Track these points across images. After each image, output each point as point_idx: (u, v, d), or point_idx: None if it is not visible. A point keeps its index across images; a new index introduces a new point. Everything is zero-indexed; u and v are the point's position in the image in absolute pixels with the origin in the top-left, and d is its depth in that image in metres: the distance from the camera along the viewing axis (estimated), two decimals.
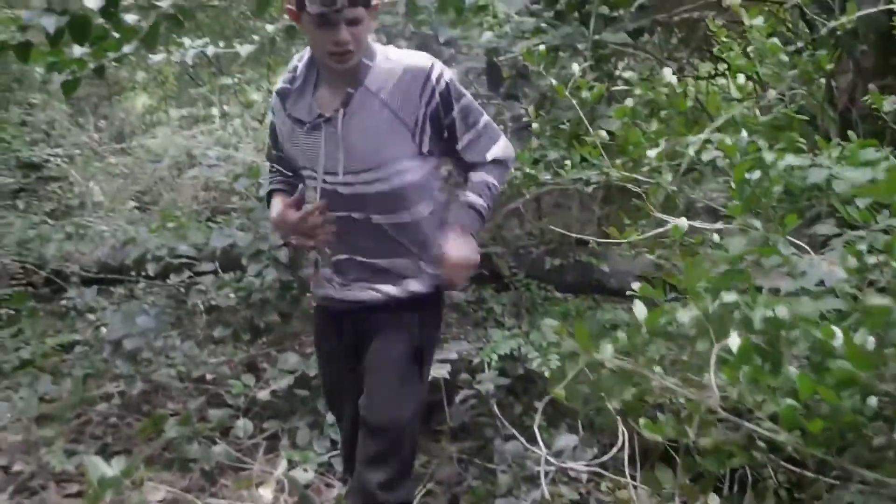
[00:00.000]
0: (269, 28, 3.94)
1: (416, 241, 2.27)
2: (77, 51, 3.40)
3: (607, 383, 1.44)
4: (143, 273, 3.99)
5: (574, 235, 3.15)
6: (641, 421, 1.44)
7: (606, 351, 1.39)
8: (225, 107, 5.92)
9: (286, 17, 4.04)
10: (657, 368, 1.44)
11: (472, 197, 2.27)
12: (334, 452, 3.29)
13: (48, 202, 5.95)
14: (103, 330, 3.97)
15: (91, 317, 4.24)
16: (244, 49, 3.92)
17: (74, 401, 3.77)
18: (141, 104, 9.71)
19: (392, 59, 2.17)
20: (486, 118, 2.28)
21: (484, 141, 2.27)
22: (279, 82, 2.29)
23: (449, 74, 2.20)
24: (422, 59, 2.19)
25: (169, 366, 3.74)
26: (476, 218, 2.28)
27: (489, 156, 2.27)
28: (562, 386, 1.54)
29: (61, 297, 4.60)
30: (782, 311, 1.31)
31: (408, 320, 2.30)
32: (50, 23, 3.20)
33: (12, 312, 4.48)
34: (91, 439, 3.72)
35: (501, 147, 2.30)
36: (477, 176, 2.29)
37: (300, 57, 2.26)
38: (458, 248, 2.21)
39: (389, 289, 2.28)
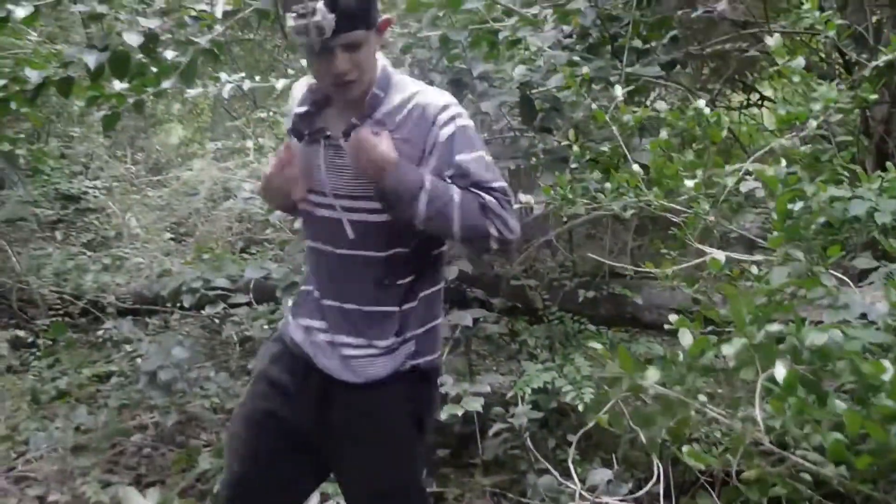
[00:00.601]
0: (304, 62, 3.99)
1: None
2: (117, 86, 3.47)
3: (649, 411, 1.42)
4: (179, 304, 4.02)
5: (609, 262, 3.13)
6: (685, 449, 1.42)
7: (650, 377, 1.38)
8: (259, 139, 6.00)
9: None
10: (701, 397, 1.42)
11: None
12: None
13: (86, 233, 6.04)
14: (138, 361, 4.00)
15: (127, 347, 4.29)
16: (280, 83, 3.97)
17: (110, 431, 3.79)
18: (176, 136, 9.86)
19: (408, 92, 1.91)
20: (500, 183, 1.88)
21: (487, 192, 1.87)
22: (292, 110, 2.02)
23: (465, 121, 1.92)
24: (438, 97, 1.93)
25: (203, 397, 3.75)
26: (417, 182, 1.83)
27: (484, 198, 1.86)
28: (604, 411, 1.52)
29: (97, 328, 4.65)
30: (829, 342, 1.29)
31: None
32: (91, 59, 3.26)
33: (49, 342, 4.53)
34: (125, 470, 3.75)
35: (506, 216, 1.86)
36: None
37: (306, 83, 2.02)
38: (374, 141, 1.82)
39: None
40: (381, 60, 1.94)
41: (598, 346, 1.52)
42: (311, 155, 1.93)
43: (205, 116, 10.12)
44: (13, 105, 3.59)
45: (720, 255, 1.88)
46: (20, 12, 3.09)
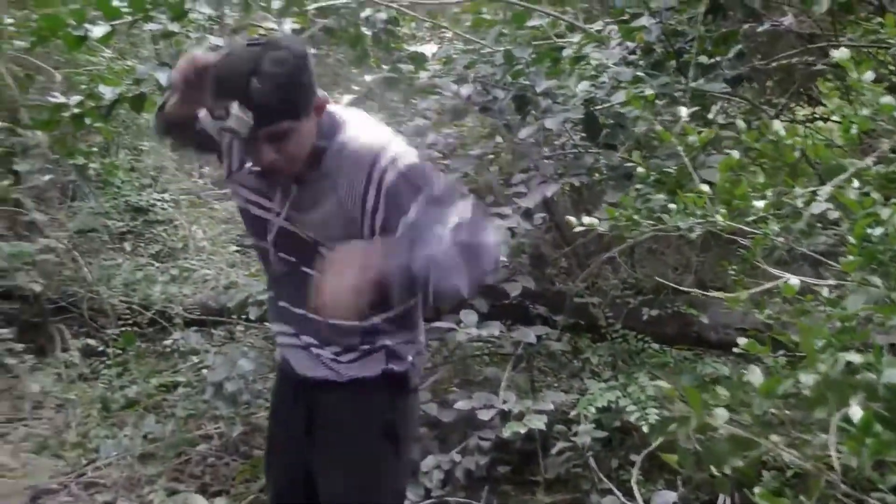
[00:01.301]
0: (368, 78, 4.03)
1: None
2: None
3: (720, 449, 1.40)
4: (244, 316, 4.08)
5: (673, 285, 3.09)
6: (757, 490, 1.39)
7: (720, 416, 1.36)
8: None
9: (384, 67, 4.16)
10: (773, 437, 1.39)
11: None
12: (429, 500, 3.29)
13: (154, 245, 6.17)
14: (204, 372, 4.07)
15: (193, 358, 4.36)
16: (345, 99, 4.01)
17: (176, 440, 3.86)
18: None
19: (349, 137, 1.78)
20: (462, 209, 1.74)
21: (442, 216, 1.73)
22: None
23: (406, 161, 1.77)
24: (375, 140, 1.79)
25: (267, 408, 3.80)
26: (403, 257, 1.66)
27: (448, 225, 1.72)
28: (672, 445, 1.50)
29: (165, 338, 4.74)
30: None
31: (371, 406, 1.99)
32: (163, 76, 3.34)
33: (119, 351, 4.64)
34: (191, 479, 3.81)
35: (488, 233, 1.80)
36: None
37: None
38: (343, 271, 1.62)
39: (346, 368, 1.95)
40: (329, 105, 1.81)
41: (664, 384, 1.50)
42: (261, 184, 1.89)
43: None
44: (87, 120, 3.70)
45: (794, 280, 1.84)
46: (97, 31, 3.18)
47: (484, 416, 3.03)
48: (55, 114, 3.75)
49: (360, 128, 1.82)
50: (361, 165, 1.75)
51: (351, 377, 1.95)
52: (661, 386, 1.54)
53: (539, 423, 2.97)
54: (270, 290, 2.05)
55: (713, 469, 1.49)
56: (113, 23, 3.24)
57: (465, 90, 3.48)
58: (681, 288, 3.09)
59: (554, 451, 3.23)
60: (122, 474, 3.87)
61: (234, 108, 1.59)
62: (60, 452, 4.15)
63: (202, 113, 1.66)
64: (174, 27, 3.55)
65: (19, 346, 3.98)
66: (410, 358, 2.01)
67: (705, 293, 2.52)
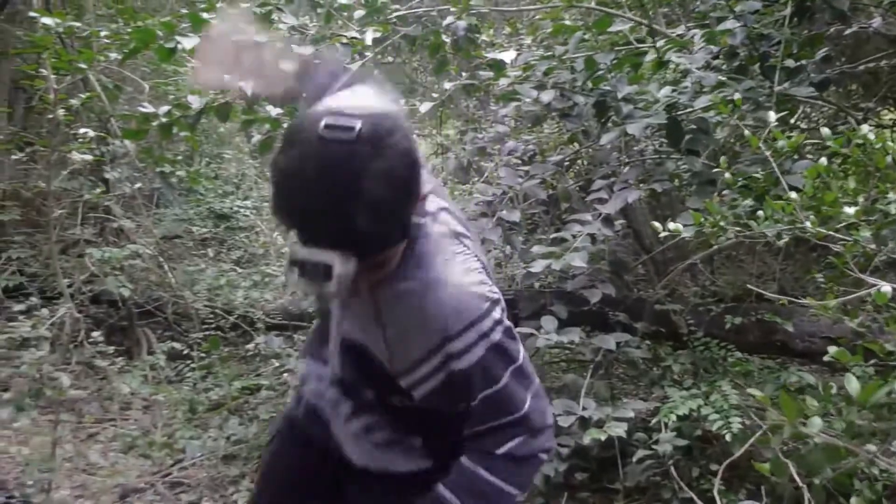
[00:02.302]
0: (447, 85, 4.05)
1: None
2: (272, 111, 3.63)
3: (814, 458, 1.37)
4: None
5: (766, 294, 3.03)
6: (853, 501, 1.37)
7: (815, 425, 1.34)
8: None
9: (463, 74, 4.19)
10: (870, 446, 1.37)
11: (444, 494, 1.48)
12: None
13: (236, 251, 6.32)
14: (286, 375, 4.15)
15: (275, 362, 4.45)
16: (424, 106, 4.05)
17: (259, 442, 3.94)
18: None
19: (417, 288, 1.37)
20: (526, 408, 1.45)
21: (503, 434, 1.47)
22: None
23: (488, 344, 1.38)
24: (457, 308, 1.36)
25: None
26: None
27: (500, 450, 1.47)
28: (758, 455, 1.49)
29: (247, 342, 4.84)
30: None
31: None
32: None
33: (203, 355, 4.75)
34: None
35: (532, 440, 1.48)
36: (467, 463, 1.49)
37: None
38: None
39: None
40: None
41: (757, 392, 1.48)
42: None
43: None
44: (175, 129, 3.81)
45: (886, 288, 1.80)
46: (187, 43, 3.28)
47: (563, 422, 3.01)
48: (144, 123, 3.88)
49: (437, 266, 1.37)
50: (427, 338, 1.38)
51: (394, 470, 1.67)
52: (753, 393, 1.52)
53: (619, 430, 2.94)
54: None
55: (798, 479, 1.47)
56: (202, 35, 3.33)
57: (545, 96, 3.48)
58: (767, 294, 3.03)
59: (635, 458, 3.20)
60: (207, 475, 3.96)
61: (326, 256, 1.14)
62: (147, 452, 4.26)
63: (288, 270, 1.19)
64: (260, 38, 3.63)
65: (109, 349, 4.10)
66: None
67: (793, 300, 2.47)
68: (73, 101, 4.01)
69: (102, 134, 4.69)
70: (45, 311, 3.21)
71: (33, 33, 3.84)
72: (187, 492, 3.94)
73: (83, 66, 3.72)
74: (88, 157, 3.65)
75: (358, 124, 1.10)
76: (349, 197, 1.09)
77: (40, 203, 6.42)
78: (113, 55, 3.69)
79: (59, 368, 3.02)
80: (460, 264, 1.39)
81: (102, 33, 3.57)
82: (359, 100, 1.23)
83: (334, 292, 1.15)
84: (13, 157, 4.24)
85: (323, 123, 1.10)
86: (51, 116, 3.80)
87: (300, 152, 1.12)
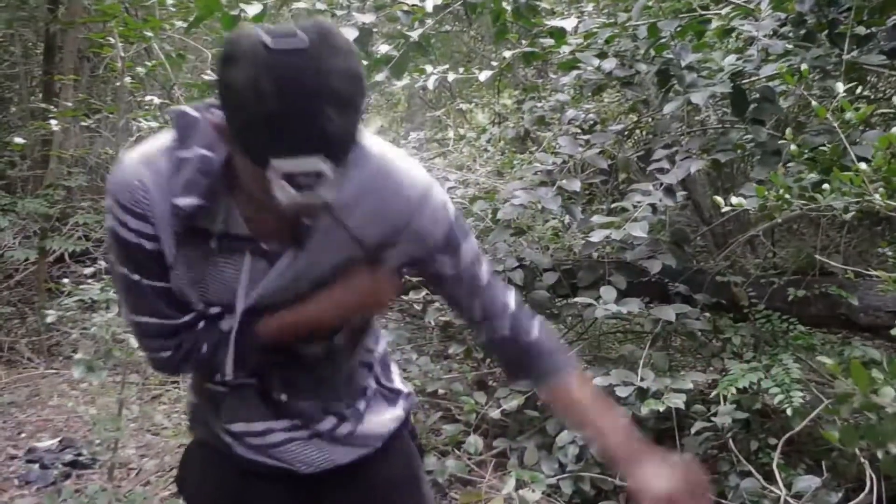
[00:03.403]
0: (507, 54, 4.03)
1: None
2: None
3: (886, 428, 1.36)
4: None
5: (832, 264, 2.98)
6: None
7: (887, 394, 1.32)
8: (460, 130, 6.13)
9: (523, 42, 4.16)
10: None
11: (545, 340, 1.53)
12: (563, 475, 3.31)
13: None
14: None
15: None
16: (483, 74, 4.04)
17: None
18: (374, 126, 10.22)
19: (367, 170, 1.33)
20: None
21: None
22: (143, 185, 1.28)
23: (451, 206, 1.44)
24: (410, 176, 1.38)
25: (405, 379, 3.90)
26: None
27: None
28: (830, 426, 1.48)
29: None
30: None
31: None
32: None
33: None
34: None
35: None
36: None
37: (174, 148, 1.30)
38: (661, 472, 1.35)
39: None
40: None
41: (827, 360, 1.46)
42: (227, 266, 1.36)
43: (401, 107, 10.42)
44: None
45: None
46: (251, 10, 3.31)
47: (622, 392, 3.01)
48: (207, 91, 3.94)
49: (381, 154, 1.37)
50: (401, 199, 1.37)
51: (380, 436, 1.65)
52: (823, 360, 1.51)
53: (678, 401, 2.94)
54: (240, 385, 1.51)
55: (860, 454, 1.45)
56: (266, 1, 3.37)
57: (607, 64, 3.45)
58: (833, 265, 2.98)
59: (693, 430, 3.18)
60: None
61: (314, 162, 1.09)
62: None
63: (279, 187, 1.10)
64: (321, 5, 3.66)
65: None
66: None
67: (861, 272, 2.43)
68: (139, 69, 4.08)
69: (167, 102, 4.75)
70: None
71: (101, 2, 3.90)
72: None
73: (149, 34, 3.78)
74: (154, 125, 3.71)
75: (309, 31, 1.08)
76: (349, 92, 1.09)
77: (106, 170, 6.57)
78: (178, 23, 3.75)
79: (126, 331, 3.10)
80: (398, 150, 1.43)
81: (168, 1, 3.62)
82: None
83: (329, 199, 1.13)
84: (81, 123, 4.32)
85: (269, 38, 1.07)
86: (118, 84, 3.87)
87: (290, 63, 1.06)
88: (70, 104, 5.56)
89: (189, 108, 1.31)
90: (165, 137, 1.31)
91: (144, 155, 1.30)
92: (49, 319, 3.08)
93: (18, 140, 4.00)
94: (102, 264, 3.83)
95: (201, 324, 1.40)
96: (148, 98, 4.27)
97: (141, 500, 3.07)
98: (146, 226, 1.29)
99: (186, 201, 1.26)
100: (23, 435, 4.40)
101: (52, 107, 4.33)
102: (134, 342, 2.96)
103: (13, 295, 6.49)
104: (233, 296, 1.37)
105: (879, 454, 1.53)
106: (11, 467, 3.98)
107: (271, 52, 1.05)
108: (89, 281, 3.23)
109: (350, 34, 3.42)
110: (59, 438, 4.27)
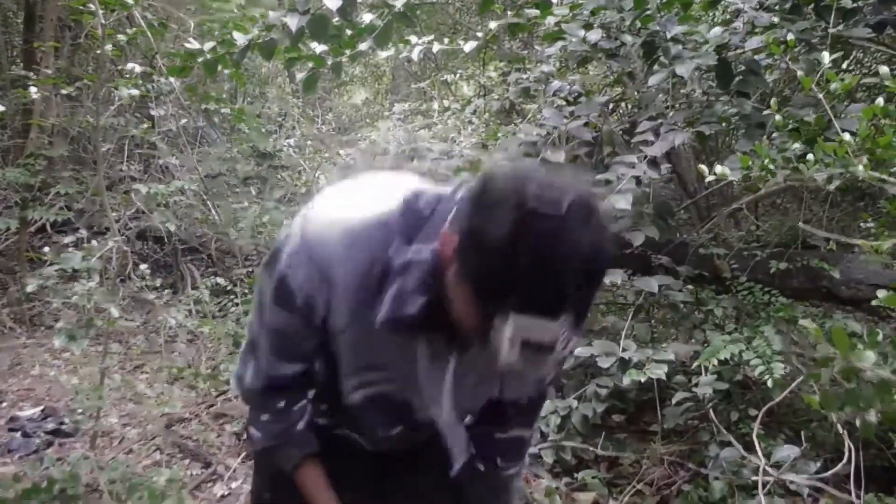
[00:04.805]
0: (492, 25, 4.00)
1: None
2: (317, 48, 3.62)
3: (865, 394, 1.37)
4: None
5: (816, 232, 2.99)
6: None
7: (868, 358, 1.33)
8: (444, 101, 6.11)
9: (509, 13, 4.14)
10: None
11: None
12: (545, 444, 3.33)
13: (278, 190, 6.36)
14: None
15: None
16: (468, 45, 4.01)
17: None
18: (359, 98, 10.17)
19: None
20: None
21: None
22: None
23: None
24: None
25: None
26: None
27: None
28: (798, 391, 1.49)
29: None
30: None
31: None
32: (293, 22, 3.42)
33: (247, 291, 4.82)
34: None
35: None
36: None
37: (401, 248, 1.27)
38: None
39: None
40: None
41: (810, 324, 1.47)
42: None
43: (385, 79, 10.37)
44: (220, 66, 3.82)
45: None
46: None
47: (603, 363, 3.03)
48: (189, 60, 3.90)
49: None
50: None
51: None
52: (805, 325, 1.51)
53: (660, 372, 2.95)
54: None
55: (839, 426, 1.46)
56: None
57: (592, 35, 3.43)
58: (817, 232, 2.99)
59: (674, 401, 3.21)
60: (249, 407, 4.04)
61: (552, 328, 1.08)
62: (193, 384, 4.37)
63: (504, 343, 1.08)
64: None
65: (157, 282, 4.18)
66: None
67: (845, 239, 2.44)
68: (120, 37, 4.03)
69: (149, 70, 4.71)
70: (94, 244, 3.27)
71: None
72: (231, 422, 4.04)
73: (130, 1, 3.73)
74: (135, 92, 3.68)
75: (566, 190, 1.07)
76: (599, 265, 1.10)
77: (87, 140, 6.51)
78: None
79: (108, 300, 3.08)
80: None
81: None
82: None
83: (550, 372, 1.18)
84: (62, 91, 4.27)
85: (533, 196, 1.05)
86: (98, 52, 3.82)
87: (550, 228, 1.04)
88: (50, 72, 5.49)
89: (421, 198, 1.29)
90: (373, 205, 1.28)
91: (362, 226, 1.26)
92: (30, 288, 3.06)
93: None
94: (83, 233, 3.81)
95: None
96: (129, 66, 4.22)
97: (124, 467, 3.07)
98: (322, 304, 1.31)
99: (413, 308, 1.24)
100: (4, 404, 4.39)
101: (31, 74, 4.28)
102: (115, 311, 2.95)
103: None
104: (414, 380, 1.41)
105: (857, 421, 1.55)
106: None
107: (534, 213, 1.03)
108: (70, 250, 3.20)
109: (333, 3, 3.38)
110: (41, 407, 4.26)
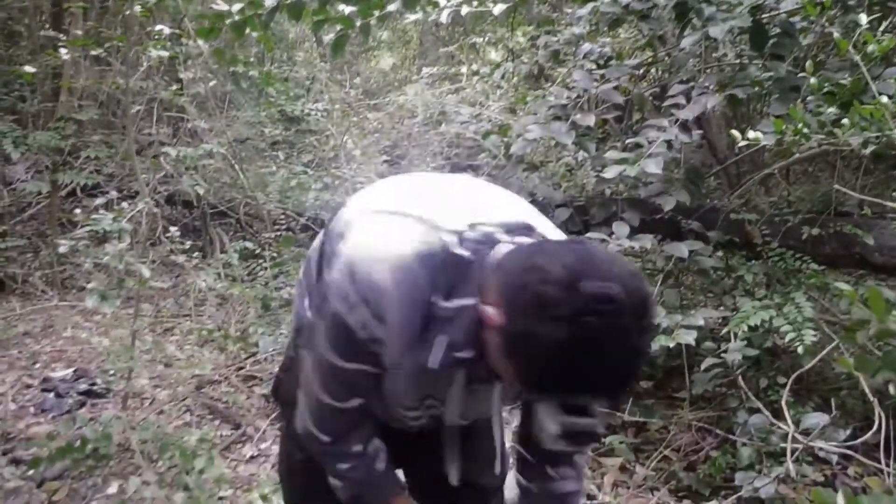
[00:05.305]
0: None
1: None
2: (345, 9, 3.59)
3: None
4: None
5: (857, 195, 2.93)
6: None
7: None
8: (473, 65, 6.06)
9: None
10: None
11: None
12: None
13: (306, 154, 6.36)
14: None
15: None
16: (497, 7, 3.96)
17: None
18: (386, 63, 10.11)
19: None
20: None
21: None
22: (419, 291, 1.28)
23: None
24: None
25: None
26: None
27: None
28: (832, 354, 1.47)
29: None
30: None
31: None
32: None
33: (275, 255, 4.85)
34: None
35: None
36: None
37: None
38: None
39: None
40: None
41: (845, 286, 1.45)
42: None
43: (413, 44, 10.30)
44: (248, 28, 3.80)
45: None
46: None
47: None
48: (217, 22, 3.88)
49: None
50: None
51: None
52: (841, 286, 1.49)
53: (689, 338, 2.93)
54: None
55: (869, 393, 1.44)
56: None
57: None
58: (852, 194, 2.92)
59: (703, 367, 3.19)
60: (279, 369, 4.07)
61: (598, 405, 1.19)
62: (222, 346, 4.41)
63: (550, 418, 1.22)
64: None
65: (186, 244, 4.21)
66: None
67: (882, 201, 2.39)
68: None
69: (177, 32, 4.70)
70: (124, 205, 3.29)
71: None
72: (259, 385, 4.08)
73: None
74: (164, 54, 3.68)
75: (618, 288, 1.09)
76: (643, 358, 1.14)
77: (116, 104, 6.54)
78: None
79: (139, 261, 3.11)
80: None
81: None
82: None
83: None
84: (91, 52, 4.28)
85: (608, 291, 1.08)
86: (127, 13, 3.82)
87: (606, 333, 1.08)
88: (80, 34, 5.50)
89: (464, 241, 1.29)
90: (417, 237, 1.28)
91: (409, 264, 1.26)
92: (62, 250, 3.08)
93: (28, 69, 3.96)
94: (114, 195, 3.84)
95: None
96: (158, 28, 4.21)
97: (155, 427, 3.12)
98: (378, 340, 1.31)
99: (462, 356, 1.28)
100: (37, 365, 4.46)
101: (61, 35, 4.29)
102: (146, 272, 2.97)
103: (26, 229, 6.52)
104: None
105: (891, 387, 1.53)
106: (27, 396, 4.04)
107: (588, 324, 1.06)
108: (101, 212, 3.22)
109: None
110: (73, 368, 4.32)
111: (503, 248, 1.25)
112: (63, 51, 4.04)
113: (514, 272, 1.15)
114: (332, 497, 1.61)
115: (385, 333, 1.29)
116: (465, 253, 1.27)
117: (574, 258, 1.11)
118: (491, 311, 1.17)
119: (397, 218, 1.32)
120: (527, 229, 1.33)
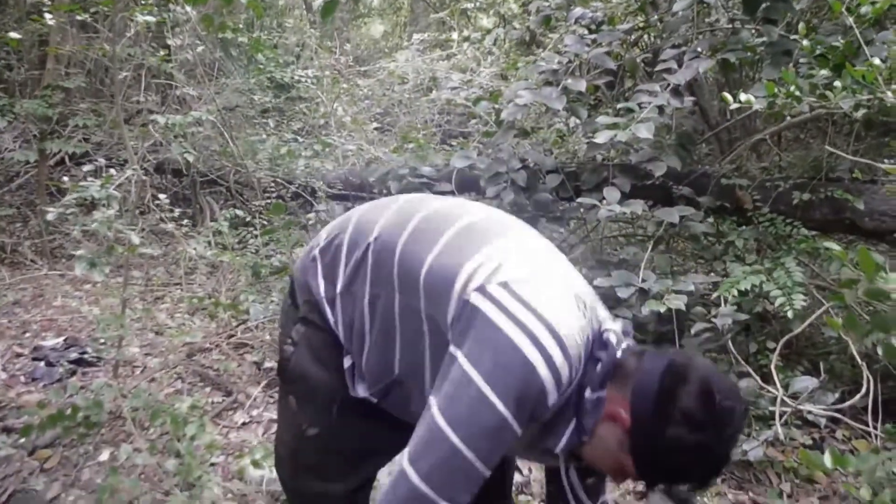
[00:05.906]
0: None
1: None
2: None
3: (890, 316, 1.35)
4: (385, 191, 4.16)
5: (846, 155, 2.93)
6: None
7: (893, 280, 1.31)
8: (464, 31, 6.00)
9: None
10: None
11: None
12: None
13: (296, 121, 6.31)
14: None
15: None
16: None
17: None
18: (377, 31, 10.02)
19: None
20: None
21: None
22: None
23: None
24: None
25: None
26: None
27: None
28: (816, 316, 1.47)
29: (308, 211, 4.90)
30: None
31: None
32: None
33: (265, 223, 4.82)
34: None
35: None
36: None
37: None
38: None
39: None
40: None
41: (834, 245, 1.44)
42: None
43: (404, 11, 10.21)
44: None
45: None
46: None
47: (623, 293, 3.01)
48: None
49: None
50: None
51: None
52: (829, 246, 1.49)
53: (679, 303, 2.93)
54: None
55: (858, 357, 1.44)
56: None
57: None
58: (844, 156, 2.92)
59: (693, 331, 3.19)
60: (270, 337, 4.08)
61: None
62: (213, 314, 4.41)
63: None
64: None
65: (176, 212, 4.18)
66: None
67: (873, 164, 2.39)
68: None
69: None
70: (112, 171, 3.26)
71: None
72: (251, 352, 4.08)
73: None
74: (151, 19, 3.62)
75: (741, 405, 1.34)
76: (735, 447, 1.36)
77: (104, 73, 6.47)
78: None
79: (128, 228, 3.08)
80: None
81: None
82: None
83: None
84: (77, 17, 4.21)
85: (736, 407, 1.29)
86: None
87: (730, 435, 1.30)
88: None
89: (600, 340, 1.41)
90: (575, 318, 1.36)
91: (570, 346, 1.32)
92: (49, 217, 3.05)
93: (14, 35, 3.90)
94: (102, 163, 3.80)
95: None
96: None
97: (146, 395, 3.11)
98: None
99: (577, 442, 1.41)
100: (28, 334, 4.45)
101: (46, 0, 4.22)
102: (135, 238, 2.95)
103: (15, 198, 6.48)
104: None
105: (879, 348, 1.53)
106: (18, 365, 4.02)
107: (724, 424, 1.28)
108: (89, 179, 3.19)
109: None
110: (63, 337, 4.31)
111: (622, 349, 1.41)
112: (48, 16, 3.97)
113: (647, 376, 1.31)
114: (353, 471, 1.63)
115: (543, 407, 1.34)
116: (598, 351, 1.40)
117: (703, 372, 1.31)
118: (621, 410, 1.32)
119: (554, 288, 1.40)
120: (626, 333, 1.50)
